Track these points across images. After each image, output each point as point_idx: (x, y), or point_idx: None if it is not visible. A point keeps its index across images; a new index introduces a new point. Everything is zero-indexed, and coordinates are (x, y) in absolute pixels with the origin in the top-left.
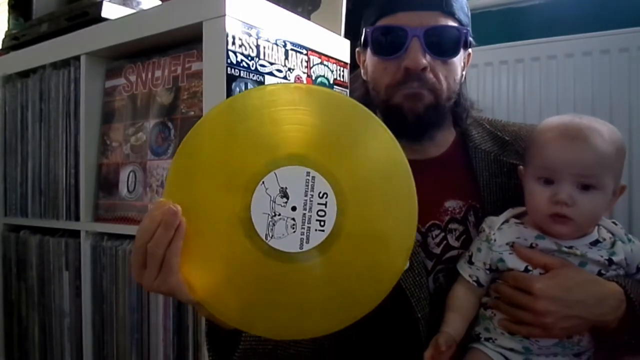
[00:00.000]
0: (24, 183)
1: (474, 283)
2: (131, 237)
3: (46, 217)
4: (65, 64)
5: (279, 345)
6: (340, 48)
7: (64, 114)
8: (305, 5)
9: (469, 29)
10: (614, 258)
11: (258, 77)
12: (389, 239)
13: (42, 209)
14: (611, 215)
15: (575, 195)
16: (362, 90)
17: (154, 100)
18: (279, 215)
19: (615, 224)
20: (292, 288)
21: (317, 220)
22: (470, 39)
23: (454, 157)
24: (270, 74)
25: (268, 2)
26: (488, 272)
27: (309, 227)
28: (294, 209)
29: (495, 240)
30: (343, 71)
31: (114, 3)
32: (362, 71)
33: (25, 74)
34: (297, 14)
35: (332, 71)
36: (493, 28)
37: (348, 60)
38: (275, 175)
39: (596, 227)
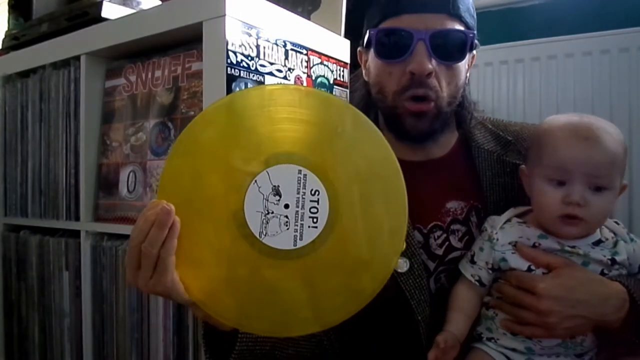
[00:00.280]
0: (24, 183)
1: (476, 283)
2: None
3: (46, 217)
4: (65, 64)
5: (276, 346)
6: (340, 48)
7: (64, 114)
8: (305, 5)
9: (475, 31)
10: (617, 258)
11: (258, 77)
12: (381, 232)
13: (42, 209)
14: (612, 214)
15: (587, 196)
16: (363, 90)
17: (154, 100)
18: (272, 213)
19: (618, 224)
20: (287, 285)
21: (310, 217)
22: (476, 41)
23: (456, 157)
24: (270, 74)
25: (268, 2)
26: (490, 271)
27: (302, 224)
28: (286, 206)
29: (497, 239)
30: (343, 71)
31: (114, 3)
32: (363, 71)
33: (25, 74)
34: (297, 14)
35: (332, 71)
36: (493, 28)
37: (348, 60)
38: (268, 173)
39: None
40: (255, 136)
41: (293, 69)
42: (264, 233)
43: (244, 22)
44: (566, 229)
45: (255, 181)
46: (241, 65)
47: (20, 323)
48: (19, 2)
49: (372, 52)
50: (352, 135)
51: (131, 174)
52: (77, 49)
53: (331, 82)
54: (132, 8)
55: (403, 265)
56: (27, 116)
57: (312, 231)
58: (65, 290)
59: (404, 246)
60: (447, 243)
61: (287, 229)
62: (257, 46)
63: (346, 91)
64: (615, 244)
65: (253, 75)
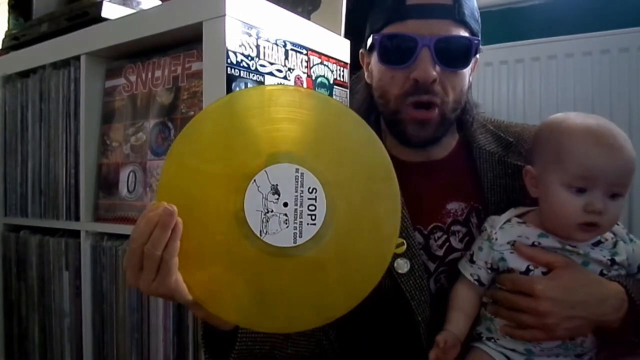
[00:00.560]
0: (24, 183)
1: (475, 282)
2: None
3: (46, 217)
4: (65, 64)
5: (276, 346)
6: (340, 48)
7: (64, 114)
8: (305, 5)
9: (479, 36)
10: (616, 258)
11: (258, 77)
12: (376, 226)
13: (42, 209)
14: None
15: (606, 203)
16: (365, 93)
17: (154, 100)
18: (272, 211)
19: (617, 224)
20: (289, 282)
21: (308, 214)
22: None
23: (457, 159)
24: (270, 74)
25: (268, 2)
26: (489, 271)
27: (301, 222)
28: (285, 204)
29: (496, 239)
30: (343, 71)
31: (114, 3)
32: (365, 73)
33: (25, 74)
34: (297, 14)
35: (332, 71)
36: (493, 28)
37: (348, 60)
38: (266, 173)
39: None
40: (254, 136)
41: (293, 69)
42: (265, 231)
43: (244, 22)
44: (583, 235)
45: (255, 180)
46: (241, 65)
47: (20, 323)
48: (19, 2)
49: (375, 56)
50: (348, 136)
51: (131, 174)
52: (77, 49)
53: (331, 82)
54: (132, 8)
55: (404, 266)
56: (27, 116)
57: (310, 228)
58: (65, 290)
59: (403, 246)
60: (447, 244)
61: (287, 226)
62: (257, 46)
63: (346, 91)
64: (615, 244)
65: (253, 75)
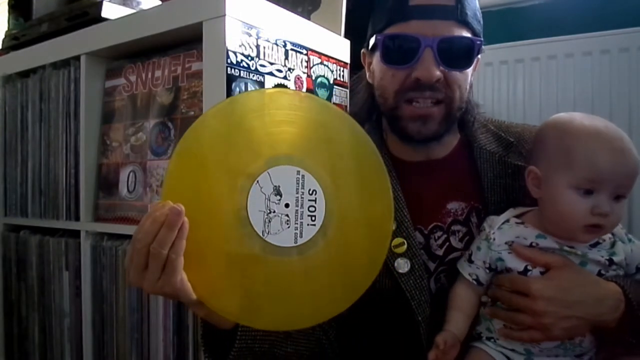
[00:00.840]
0: (24, 183)
1: (474, 282)
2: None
3: (46, 217)
4: (65, 64)
5: (275, 344)
6: (340, 48)
7: (64, 114)
8: (305, 5)
9: (481, 37)
10: (614, 258)
11: (258, 77)
12: (372, 227)
13: (42, 209)
14: None
15: (612, 205)
16: (366, 93)
17: (154, 100)
18: (274, 212)
19: None
20: (289, 281)
21: (308, 215)
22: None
23: (458, 158)
24: (270, 74)
25: (268, 2)
26: (488, 271)
27: (301, 222)
28: (287, 205)
29: (494, 239)
30: (343, 71)
31: (114, 3)
32: (367, 73)
33: (25, 74)
34: (297, 14)
35: (332, 71)
36: (493, 28)
37: (348, 60)
38: (269, 174)
39: None
40: (256, 138)
41: (293, 69)
42: (267, 231)
43: (244, 22)
44: (586, 237)
45: (258, 181)
46: (241, 65)
47: (20, 323)
48: (19, 2)
49: (377, 56)
50: (344, 139)
51: (131, 174)
52: (77, 49)
53: (331, 82)
54: (132, 8)
55: (404, 266)
56: (27, 116)
57: (310, 229)
58: (65, 290)
59: (403, 246)
60: (447, 244)
61: (288, 227)
62: (257, 46)
63: (346, 91)
64: (613, 244)
65: (253, 76)
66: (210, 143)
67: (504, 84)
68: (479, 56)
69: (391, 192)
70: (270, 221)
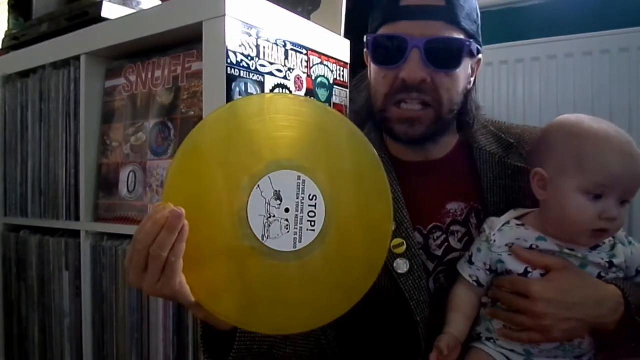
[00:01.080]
0: (24, 183)
1: (474, 283)
2: (131, 237)
3: (46, 217)
4: (65, 64)
5: (274, 345)
6: (340, 48)
7: (64, 114)
8: (305, 5)
9: (478, 37)
10: (615, 260)
11: (258, 77)
12: (371, 231)
13: (42, 209)
14: None
15: (619, 210)
16: (368, 92)
17: (154, 100)
18: (274, 216)
19: None
20: (288, 285)
21: (308, 220)
22: (478, 46)
23: (457, 159)
24: (270, 74)
25: (268, 2)
26: (488, 272)
27: (301, 228)
28: (287, 210)
29: (494, 241)
30: (343, 71)
31: (114, 3)
32: (368, 73)
33: (25, 74)
34: (297, 14)
35: (332, 71)
36: (493, 28)
37: (348, 60)
38: (270, 179)
39: None
40: (257, 142)
41: (293, 69)
42: (266, 236)
43: (244, 22)
44: (591, 240)
45: (258, 186)
46: (241, 65)
47: (20, 323)
48: (19, 2)
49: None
50: (344, 144)
51: (131, 174)
52: (77, 49)
53: (331, 82)
54: (132, 8)
55: (403, 266)
56: (27, 116)
57: (310, 234)
58: (65, 290)
59: (403, 246)
60: (446, 244)
61: (288, 232)
62: (257, 46)
63: (346, 91)
64: (613, 247)
65: (253, 75)
66: (212, 146)
67: (504, 84)
68: (480, 57)
69: (390, 195)
70: (270, 226)
